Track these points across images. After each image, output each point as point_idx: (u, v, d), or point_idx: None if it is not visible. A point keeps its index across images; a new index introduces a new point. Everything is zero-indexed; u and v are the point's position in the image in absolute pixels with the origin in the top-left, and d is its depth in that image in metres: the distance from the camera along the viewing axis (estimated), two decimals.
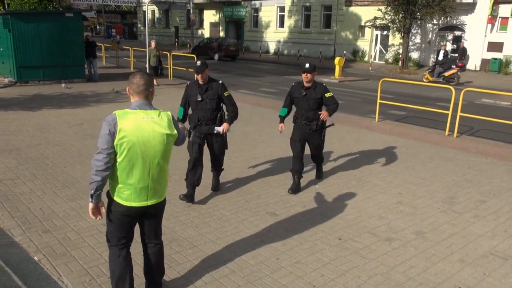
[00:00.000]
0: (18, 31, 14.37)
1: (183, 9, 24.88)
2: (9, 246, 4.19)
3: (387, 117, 11.99)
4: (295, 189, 6.00)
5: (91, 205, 3.06)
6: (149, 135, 2.99)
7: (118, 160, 2.98)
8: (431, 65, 22.92)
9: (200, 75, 5.30)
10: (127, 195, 3.06)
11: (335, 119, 11.15)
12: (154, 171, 3.07)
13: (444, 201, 5.92)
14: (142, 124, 2.99)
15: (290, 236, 4.70)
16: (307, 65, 5.80)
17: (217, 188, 5.93)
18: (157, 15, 51.45)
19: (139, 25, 56.54)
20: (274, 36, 38.35)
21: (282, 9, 37.79)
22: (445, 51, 22.66)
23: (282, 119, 6.16)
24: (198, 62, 5.31)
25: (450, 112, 9.82)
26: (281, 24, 38.11)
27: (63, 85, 14.73)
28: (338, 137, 9.34)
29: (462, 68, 25.69)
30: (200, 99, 5.36)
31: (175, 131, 3.14)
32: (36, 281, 3.61)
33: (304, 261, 4.21)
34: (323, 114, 5.81)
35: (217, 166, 5.85)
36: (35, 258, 4.00)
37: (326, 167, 7.17)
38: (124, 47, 25.24)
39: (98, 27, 62.50)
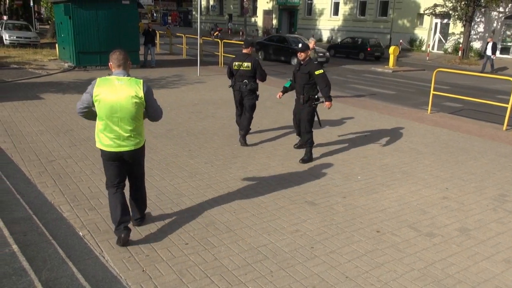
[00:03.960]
0: (77, 18, 15.04)
1: None
2: (58, 220, 4.45)
3: (441, 109, 11.53)
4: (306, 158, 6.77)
5: None
6: (119, 95, 3.80)
7: (97, 113, 3.88)
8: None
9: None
10: (106, 143, 3.93)
11: (384, 109, 10.87)
12: (124, 124, 3.89)
13: (494, 199, 5.64)
14: (114, 87, 3.82)
15: (326, 226, 4.68)
16: (300, 45, 6.73)
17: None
18: (211, 2, 52.02)
19: (193, 13, 57.37)
20: (327, 24, 37.72)
21: None
22: (493, 43, 21.29)
23: (284, 89, 7.20)
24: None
25: (510, 106, 9.29)
26: (335, 12, 37.41)
27: (66, 65, 15.45)
28: (387, 128, 9.10)
29: None
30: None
31: (141, 94, 3.89)
32: (79, 255, 3.83)
33: (339, 251, 4.18)
34: (326, 105, 6.50)
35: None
36: (80, 233, 4.23)
37: (370, 158, 7.04)
38: (177, 34, 25.76)
39: (155, 15, 64.14)
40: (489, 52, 21.26)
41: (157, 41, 24.40)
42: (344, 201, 5.36)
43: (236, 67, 7.23)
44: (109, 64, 3.94)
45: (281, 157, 6.91)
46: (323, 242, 4.33)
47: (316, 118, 6.80)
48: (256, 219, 4.76)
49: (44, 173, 5.78)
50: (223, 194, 5.37)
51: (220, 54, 18.39)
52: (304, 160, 6.70)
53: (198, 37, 16.37)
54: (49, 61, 17.45)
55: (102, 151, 4.00)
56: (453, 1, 25.02)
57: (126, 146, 3.95)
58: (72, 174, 5.80)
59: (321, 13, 38.32)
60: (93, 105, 3.85)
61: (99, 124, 3.91)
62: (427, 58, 25.69)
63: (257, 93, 7.38)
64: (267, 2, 44.11)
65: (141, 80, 3.94)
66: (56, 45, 18.46)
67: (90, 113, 3.97)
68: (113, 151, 3.95)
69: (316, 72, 6.41)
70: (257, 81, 7.33)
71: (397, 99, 12.95)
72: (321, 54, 20.26)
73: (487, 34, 27.20)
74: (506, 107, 9.38)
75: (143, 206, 4.47)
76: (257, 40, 24.28)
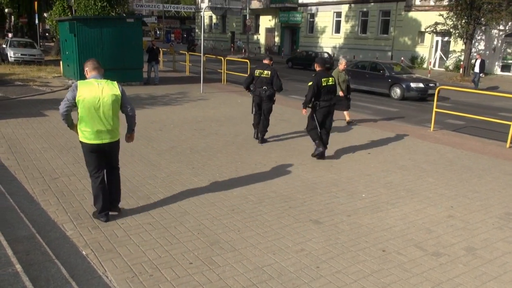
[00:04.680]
0: (82, 36, 15.20)
1: (238, 15, 25.35)
2: (61, 239, 4.42)
3: (444, 126, 11.52)
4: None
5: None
6: (99, 95, 4.55)
7: (79, 112, 4.59)
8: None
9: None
10: (89, 136, 4.64)
11: (387, 126, 10.86)
12: (105, 120, 4.63)
13: (500, 217, 5.60)
14: (95, 87, 4.58)
15: (331, 245, 4.63)
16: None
17: None
18: (214, 20, 52.56)
19: (196, 30, 57.97)
20: (329, 42, 38.00)
21: (338, 14, 37.41)
22: (482, 60, 21.24)
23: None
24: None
25: None
26: (337, 30, 37.72)
27: (70, 82, 15.61)
28: (390, 146, 9.09)
29: None
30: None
31: (118, 93, 4.68)
32: (82, 275, 3.79)
33: (344, 271, 4.13)
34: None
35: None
36: (83, 252, 4.20)
37: (374, 176, 7.01)
38: (181, 51, 25.97)
39: (158, 32, 64.81)
40: (477, 69, 21.19)
41: (161, 58, 24.61)
42: (349, 219, 5.31)
43: (257, 74, 8.58)
44: (85, 70, 4.74)
45: (285, 174, 6.88)
46: (329, 262, 4.28)
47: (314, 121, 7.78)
48: (260, 238, 4.72)
49: (47, 190, 5.76)
50: (227, 212, 5.34)
51: (223, 71, 18.51)
52: (317, 155, 7.82)
53: (201, 54, 16.50)
54: (53, 78, 17.57)
55: (85, 144, 4.70)
56: (454, 20, 25.21)
57: (106, 139, 4.69)
58: (75, 191, 5.78)
59: (323, 31, 38.65)
60: (75, 105, 4.56)
61: (82, 120, 4.61)
62: (429, 75, 25.75)
63: (274, 98, 8.74)
64: (270, 20, 44.58)
65: (115, 82, 4.75)
66: (61, 62, 18.61)
67: (70, 116, 4.68)
68: (96, 143, 4.66)
69: (309, 83, 7.70)
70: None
71: (399, 116, 12.96)
72: (432, 84, 16.85)
73: (487, 52, 27.36)
74: (509, 125, 9.37)
75: (118, 192, 5.07)
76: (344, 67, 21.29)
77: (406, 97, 16.41)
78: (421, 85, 16.40)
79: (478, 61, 21.31)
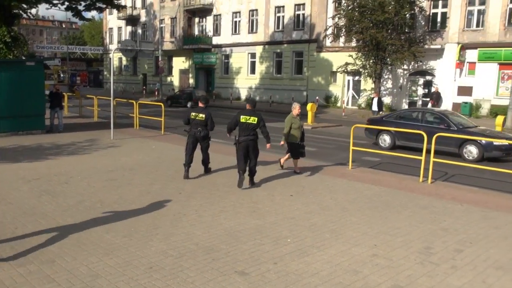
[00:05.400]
0: None
1: (150, 57, 25.23)
2: None
3: (361, 163, 12.14)
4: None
5: None
6: None
7: None
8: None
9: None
10: None
11: (310, 167, 11.21)
12: None
13: (421, 252, 5.91)
14: None
15: None
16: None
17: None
18: (124, 62, 51.98)
19: (105, 73, 56.80)
20: (245, 83, 39.15)
21: (253, 55, 38.86)
22: (379, 98, 22.54)
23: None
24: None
25: (423, 158, 10.02)
26: (253, 70, 39.05)
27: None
28: (311, 186, 9.35)
29: None
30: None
31: None
32: None
33: None
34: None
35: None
36: None
37: (298, 219, 7.12)
38: (87, 96, 25.17)
39: (62, 75, 62.44)
40: (375, 107, 22.24)
41: (65, 103, 23.60)
42: (276, 267, 5.29)
43: (193, 117, 9.60)
44: None
45: (206, 224, 6.76)
46: None
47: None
48: None
49: None
50: (145, 271, 5.07)
51: (135, 115, 18.15)
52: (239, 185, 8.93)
53: (111, 98, 16.10)
54: None
55: None
56: (363, 60, 27.33)
57: None
58: None
59: (238, 72, 39.78)
60: None
61: None
62: (343, 113, 27.38)
63: (209, 137, 9.98)
64: (183, 62, 45.06)
65: None
66: None
67: None
68: None
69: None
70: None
71: (318, 156, 13.46)
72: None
73: (395, 90, 29.84)
74: (420, 160, 10.10)
75: None
76: (378, 117, 17.27)
77: (485, 158, 13.08)
78: (505, 142, 12.70)
79: (376, 99, 22.34)
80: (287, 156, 10.86)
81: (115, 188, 8.72)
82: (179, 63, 45.61)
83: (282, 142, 10.55)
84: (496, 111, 24.05)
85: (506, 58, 25.11)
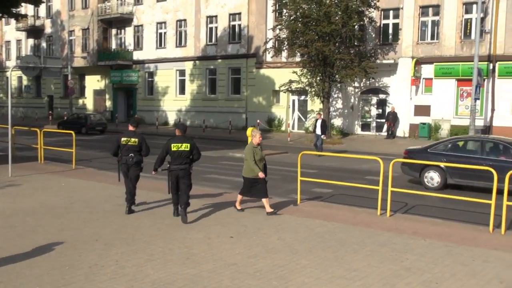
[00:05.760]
0: None
1: (57, 76, 24.57)
2: None
3: (311, 195, 12.37)
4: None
5: None
6: None
7: None
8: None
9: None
10: None
11: (255, 203, 11.26)
12: None
13: None
14: None
15: None
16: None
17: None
18: (25, 82, 50.35)
19: (1, 95, 54.63)
20: (173, 105, 39.02)
21: (182, 72, 38.95)
22: (323, 120, 22.79)
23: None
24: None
25: (380, 188, 10.36)
26: (182, 90, 39.07)
27: None
28: (255, 225, 9.37)
29: (392, 134, 27.87)
30: None
31: None
32: None
33: None
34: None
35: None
36: None
37: (241, 265, 7.10)
38: None
39: None
40: (318, 131, 22.41)
41: None
42: None
43: (124, 142, 10.00)
44: None
45: (129, 277, 6.57)
46: None
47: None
48: None
49: None
50: None
51: (39, 146, 17.51)
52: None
53: (9, 126, 15.45)
54: None
55: None
56: (309, 77, 28.12)
57: None
58: None
59: (164, 92, 39.61)
60: None
61: None
62: (289, 139, 27.87)
63: (142, 165, 10.25)
64: (98, 81, 44.30)
65: None
66: None
67: None
68: None
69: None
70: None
71: None
72: None
73: (346, 111, 30.84)
74: (377, 190, 10.44)
75: None
76: (420, 149, 15.24)
77: None
78: None
79: (319, 122, 22.31)
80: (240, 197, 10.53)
81: (14, 238, 8.31)
82: (93, 83, 44.78)
83: (261, 175, 10.03)
84: (456, 132, 25.49)
85: (464, 73, 26.67)
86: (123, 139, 10.09)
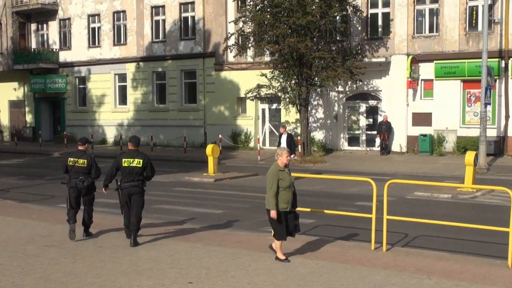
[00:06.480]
0: None
1: None
2: None
3: None
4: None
5: None
6: None
7: None
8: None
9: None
10: None
11: (212, 238, 11.24)
12: None
13: None
14: None
15: None
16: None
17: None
18: None
19: None
20: (112, 118, 38.59)
21: (122, 77, 38.64)
22: (289, 135, 21.70)
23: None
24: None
25: (373, 216, 10.42)
26: (123, 100, 38.69)
27: None
28: (220, 267, 9.33)
29: (387, 149, 27.90)
30: None
31: None
32: None
33: None
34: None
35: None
36: None
37: None
38: None
39: None
40: (283, 142, 22.22)
41: None
42: None
43: (71, 163, 10.79)
44: None
45: None
46: None
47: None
48: None
49: None
50: None
51: None
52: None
53: None
54: None
55: None
56: (281, 81, 28.03)
57: None
58: None
59: (101, 102, 39.16)
60: None
61: None
62: (259, 157, 27.74)
63: (95, 186, 11.06)
64: (15, 90, 43.54)
65: None
66: None
67: None
68: None
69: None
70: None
71: (227, 221, 13.52)
72: None
73: (329, 121, 30.73)
74: (370, 218, 10.50)
75: None
76: None
77: None
78: None
79: (284, 137, 21.09)
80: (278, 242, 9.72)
81: None
82: (9, 92, 43.98)
83: (273, 214, 9.47)
84: (464, 145, 25.73)
85: (471, 73, 26.82)
86: (70, 159, 10.94)
